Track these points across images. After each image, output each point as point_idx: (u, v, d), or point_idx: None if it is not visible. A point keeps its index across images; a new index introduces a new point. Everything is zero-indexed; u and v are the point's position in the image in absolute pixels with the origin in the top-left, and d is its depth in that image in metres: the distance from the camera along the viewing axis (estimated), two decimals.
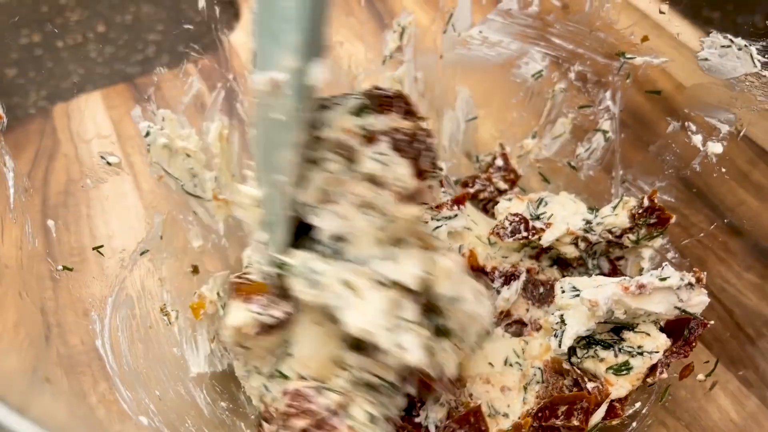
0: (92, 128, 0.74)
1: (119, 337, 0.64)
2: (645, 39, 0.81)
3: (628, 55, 0.82)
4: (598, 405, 0.64)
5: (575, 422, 0.63)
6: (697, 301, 0.65)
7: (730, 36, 0.73)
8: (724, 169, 0.74)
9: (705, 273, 0.66)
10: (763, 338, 0.64)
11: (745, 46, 0.71)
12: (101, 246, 0.69)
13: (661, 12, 0.79)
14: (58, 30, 0.68)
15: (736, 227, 0.72)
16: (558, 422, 0.64)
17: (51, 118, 0.74)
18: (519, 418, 0.68)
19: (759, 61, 0.71)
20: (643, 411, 0.66)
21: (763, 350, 0.64)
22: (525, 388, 0.71)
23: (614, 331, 0.69)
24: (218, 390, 0.71)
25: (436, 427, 0.68)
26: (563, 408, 0.65)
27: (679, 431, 0.63)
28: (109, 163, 0.74)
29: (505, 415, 0.71)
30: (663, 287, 0.65)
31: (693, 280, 0.65)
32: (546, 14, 0.87)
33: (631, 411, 0.67)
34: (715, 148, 0.75)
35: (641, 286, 0.64)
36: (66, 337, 0.57)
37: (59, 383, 0.49)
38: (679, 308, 0.65)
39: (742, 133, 0.73)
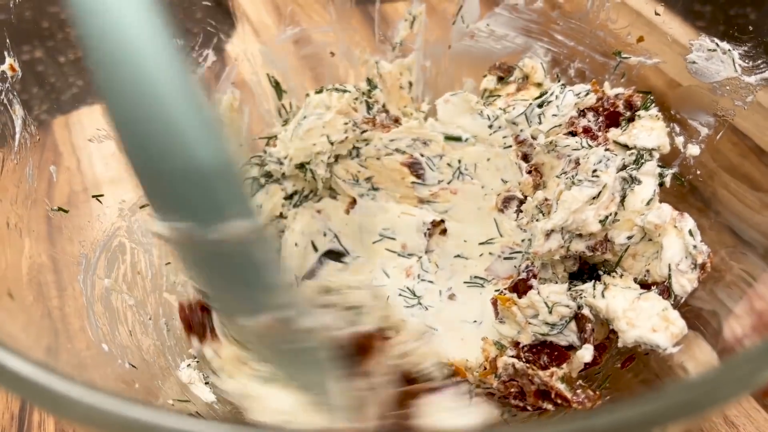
0: (94, 140, 0.78)
1: (103, 276, 0.70)
2: (641, 39, 0.82)
3: (624, 55, 0.83)
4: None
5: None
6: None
7: (716, 40, 0.73)
8: (699, 171, 0.75)
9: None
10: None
11: (729, 50, 0.72)
12: (101, 195, 0.76)
13: (656, 14, 0.80)
14: (59, 45, 0.71)
15: (712, 218, 0.73)
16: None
17: (51, 132, 0.76)
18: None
19: (740, 66, 0.71)
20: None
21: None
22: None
23: None
24: None
25: None
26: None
27: None
28: None
29: None
30: None
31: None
32: (550, 10, 0.89)
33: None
34: (693, 150, 0.76)
35: None
36: (46, 268, 0.63)
37: (23, 300, 0.56)
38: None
39: (719, 137, 0.73)
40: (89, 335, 0.61)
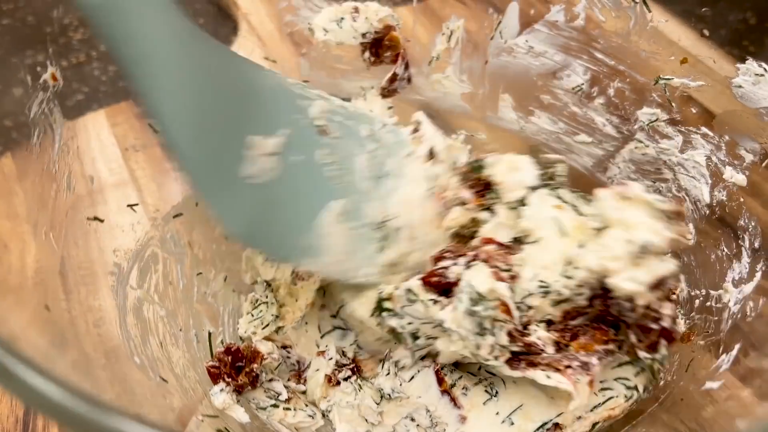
0: (97, 145, 0.79)
1: (134, 286, 0.70)
2: (684, 61, 0.80)
3: (666, 76, 0.82)
4: None
5: None
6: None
7: (764, 65, 0.72)
8: (742, 199, 0.73)
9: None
10: None
11: None
12: (136, 204, 0.76)
13: (703, 35, 0.78)
14: (62, 50, 0.70)
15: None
16: None
17: None
18: None
19: None
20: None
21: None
22: None
23: None
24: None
25: None
26: None
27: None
28: None
29: None
30: None
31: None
32: (591, 29, 0.88)
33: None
34: (738, 178, 0.74)
35: None
36: (77, 275, 0.64)
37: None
38: None
39: (764, 164, 0.72)
40: (122, 348, 0.61)
